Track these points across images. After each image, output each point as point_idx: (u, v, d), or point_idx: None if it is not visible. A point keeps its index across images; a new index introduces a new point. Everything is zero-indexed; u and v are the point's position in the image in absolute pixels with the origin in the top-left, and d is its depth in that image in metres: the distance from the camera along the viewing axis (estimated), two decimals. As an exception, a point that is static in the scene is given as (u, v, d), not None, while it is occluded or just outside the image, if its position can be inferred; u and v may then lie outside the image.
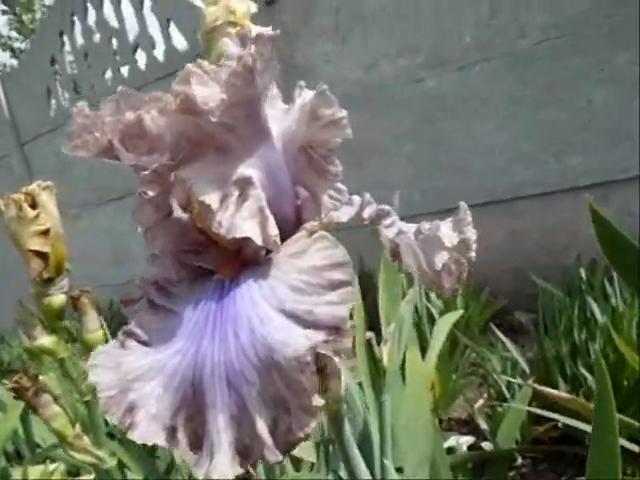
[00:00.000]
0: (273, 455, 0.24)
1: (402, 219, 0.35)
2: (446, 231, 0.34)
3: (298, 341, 0.25)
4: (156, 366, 0.27)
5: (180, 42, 3.60)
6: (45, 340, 0.76)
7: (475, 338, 1.94)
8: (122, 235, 4.13)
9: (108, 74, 4.06)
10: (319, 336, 0.26)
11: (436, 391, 1.76)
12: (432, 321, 1.79)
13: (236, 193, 0.28)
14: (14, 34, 11.57)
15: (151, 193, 0.27)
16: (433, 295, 2.06)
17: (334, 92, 0.30)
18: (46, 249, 0.73)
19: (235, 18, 0.40)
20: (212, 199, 0.27)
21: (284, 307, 0.27)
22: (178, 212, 0.29)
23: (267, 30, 0.29)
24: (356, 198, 0.33)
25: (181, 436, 0.25)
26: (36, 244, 0.73)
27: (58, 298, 0.76)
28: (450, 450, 1.47)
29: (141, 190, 0.27)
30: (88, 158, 0.27)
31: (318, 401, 0.25)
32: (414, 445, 1.00)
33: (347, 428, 0.49)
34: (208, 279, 0.29)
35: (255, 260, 0.29)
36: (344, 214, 0.32)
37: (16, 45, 11.55)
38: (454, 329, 1.65)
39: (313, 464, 1.06)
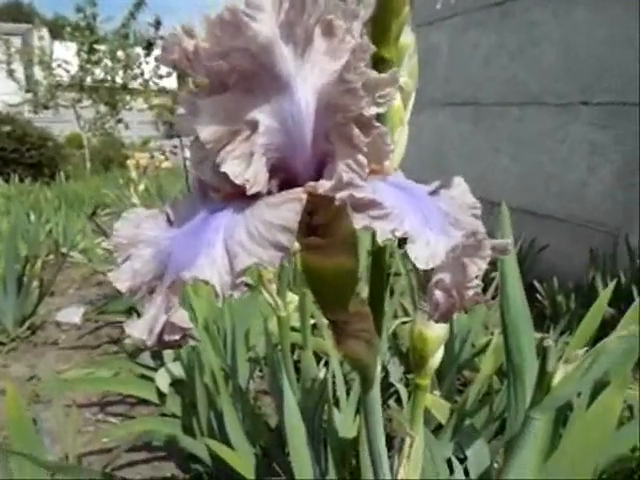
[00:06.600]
0: (149, 341, 0.30)
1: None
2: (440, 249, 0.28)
3: (202, 270, 0.29)
4: (154, 240, 0.35)
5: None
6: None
7: None
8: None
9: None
10: (225, 278, 0.29)
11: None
12: None
13: (245, 133, 0.31)
14: None
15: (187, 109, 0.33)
16: None
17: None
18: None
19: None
20: (206, 132, 0.30)
21: (227, 242, 0.30)
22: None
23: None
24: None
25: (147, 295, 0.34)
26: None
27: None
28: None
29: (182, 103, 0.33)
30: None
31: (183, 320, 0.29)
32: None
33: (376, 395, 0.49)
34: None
35: (244, 194, 0.32)
36: (321, 186, 0.30)
37: None
38: None
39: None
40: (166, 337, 0.29)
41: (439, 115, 4.32)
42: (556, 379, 0.86)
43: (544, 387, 0.85)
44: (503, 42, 3.60)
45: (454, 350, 1.64)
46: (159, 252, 0.34)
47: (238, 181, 0.31)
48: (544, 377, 0.85)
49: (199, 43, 0.28)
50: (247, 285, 0.28)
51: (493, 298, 1.88)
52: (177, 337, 0.29)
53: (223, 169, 0.31)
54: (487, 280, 1.98)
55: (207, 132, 0.30)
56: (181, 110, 0.32)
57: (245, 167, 0.31)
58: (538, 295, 2.66)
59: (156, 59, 0.34)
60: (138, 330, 0.31)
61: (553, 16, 3.19)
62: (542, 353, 0.87)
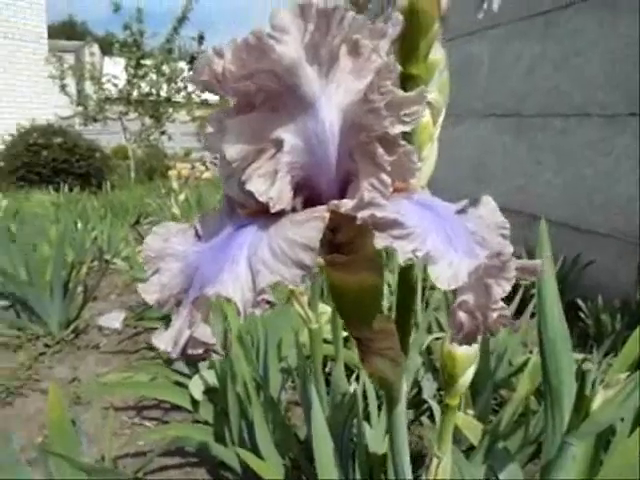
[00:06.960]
0: (173, 353, 0.31)
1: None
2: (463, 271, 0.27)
3: (225, 287, 0.29)
4: (182, 254, 0.36)
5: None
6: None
7: None
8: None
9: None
10: (248, 295, 0.29)
11: None
12: None
13: (270, 151, 0.31)
14: None
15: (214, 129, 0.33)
16: None
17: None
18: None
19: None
20: (233, 150, 0.31)
21: (251, 260, 0.30)
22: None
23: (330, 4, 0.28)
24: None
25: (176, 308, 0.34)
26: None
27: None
28: None
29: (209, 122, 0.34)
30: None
31: (206, 335, 0.30)
32: None
33: (402, 409, 0.48)
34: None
35: (269, 211, 0.32)
36: (343, 205, 0.30)
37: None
38: None
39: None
40: (189, 351, 0.30)
41: (480, 126, 4.26)
42: (596, 403, 0.82)
43: (582, 411, 0.82)
44: (546, 52, 3.52)
45: (490, 368, 1.59)
46: (187, 266, 0.35)
47: (262, 199, 0.31)
48: (582, 401, 0.82)
49: (226, 65, 0.29)
50: (268, 302, 0.28)
51: (532, 316, 1.82)
52: (200, 351, 0.30)
53: (248, 187, 0.31)
54: (527, 297, 1.92)
55: (233, 150, 0.31)
56: (209, 128, 0.33)
57: (269, 185, 0.31)
58: (582, 314, 2.55)
59: (185, 80, 0.35)
60: (164, 342, 0.32)
61: (598, 25, 3.09)
62: (581, 376, 0.84)
